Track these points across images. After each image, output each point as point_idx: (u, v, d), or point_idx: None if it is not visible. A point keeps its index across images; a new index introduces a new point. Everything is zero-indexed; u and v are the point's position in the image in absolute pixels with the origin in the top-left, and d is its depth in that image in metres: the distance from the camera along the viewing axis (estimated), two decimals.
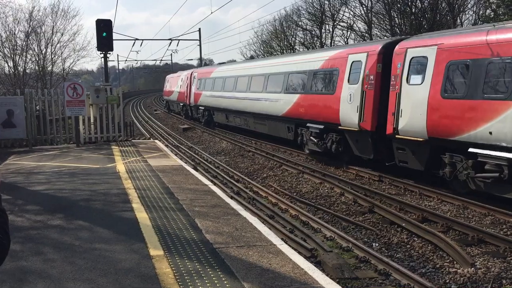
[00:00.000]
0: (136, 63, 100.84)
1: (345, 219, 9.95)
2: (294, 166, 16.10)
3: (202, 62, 59.76)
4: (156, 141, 19.82)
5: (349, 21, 39.44)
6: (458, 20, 29.50)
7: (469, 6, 29.84)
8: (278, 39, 50.34)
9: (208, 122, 30.00)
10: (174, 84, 41.05)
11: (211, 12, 37.91)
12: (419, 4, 32.46)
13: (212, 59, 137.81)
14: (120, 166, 12.20)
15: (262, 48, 54.33)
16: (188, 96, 34.06)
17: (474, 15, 29.91)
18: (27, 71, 29.44)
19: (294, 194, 12.50)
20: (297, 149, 18.88)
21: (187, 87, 34.30)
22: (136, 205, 7.99)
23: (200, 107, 31.25)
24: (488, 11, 27.62)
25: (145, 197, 8.60)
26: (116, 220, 7.24)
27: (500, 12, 24.84)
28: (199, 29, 54.06)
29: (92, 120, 17.79)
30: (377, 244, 8.50)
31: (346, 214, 10.47)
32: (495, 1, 25.89)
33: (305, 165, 16.09)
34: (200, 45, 54.93)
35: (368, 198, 11.35)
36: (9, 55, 28.36)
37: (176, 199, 8.41)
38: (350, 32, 39.78)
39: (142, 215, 7.30)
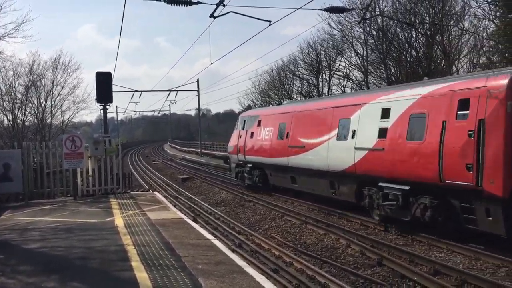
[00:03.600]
0: (135, 114, 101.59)
1: (353, 273, 9.52)
2: (296, 216, 15.71)
3: (200, 112, 60.22)
4: (155, 192, 19.48)
5: (345, 70, 40.04)
6: (454, 68, 29.91)
7: (464, 53, 30.35)
8: (275, 88, 50.96)
9: None
10: (304, 126, 17.42)
11: (211, 63, 38.24)
12: (414, 53, 33.04)
13: (209, 109, 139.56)
14: (119, 220, 11.83)
15: (260, 97, 54.92)
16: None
17: (468, 62, 30.38)
18: (26, 123, 29.48)
19: (298, 246, 12.10)
20: None
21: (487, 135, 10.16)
22: (136, 263, 7.59)
23: None
24: (482, 58, 28.06)
25: (145, 254, 8.22)
26: (114, 281, 6.84)
27: (495, 59, 25.21)
28: (197, 80, 54.82)
29: (90, 173, 17.50)
30: None
31: (354, 267, 10.04)
32: (490, 49, 26.35)
33: (308, 215, 15.70)
34: (198, 95, 55.53)
35: (375, 249, 10.94)
36: (8, 108, 28.47)
37: (177, 256, 8.03)
38: (347, 81, 40.29)
39: (142, 275, 6.91)
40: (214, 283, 6.44)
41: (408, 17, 31.31)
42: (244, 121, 23.41)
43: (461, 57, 30.26)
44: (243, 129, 23.11)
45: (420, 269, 9.30)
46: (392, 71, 34.50)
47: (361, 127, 13.95)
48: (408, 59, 32.99)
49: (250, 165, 21.83)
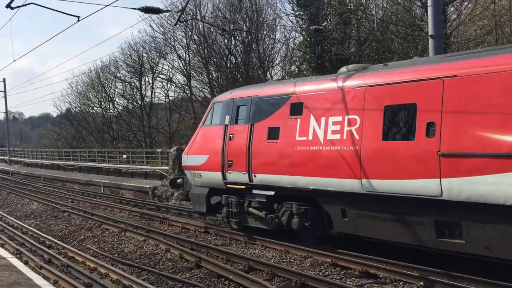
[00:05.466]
0: None
1: (171, 278, 9.36)
2: (115, 224, 15.04)
3: (9, 116, 53.96)
4: None
5: (168, 74, 39.87)
6: (268, 75, 32.05)
7: (277, 62, 32.78)
8: (95, 91, 48.34)
9: None
10: None
11: (13, 60, 34.21)
12: (233, 60, 34.51)
13: (22, 112, 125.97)
14: None
15: (78, 100, 51.48)
16: None
17: (282, 70, 32.90)
18: None
19: (116, 255, 11.50)
20: None
21: None
22: None
23: None
24: (293, 67, 30.66)
25: None
26: None
27: (303, 68, 27.72)
28: (4, 79, 49.07)
29: None
30: None
31: (172, 271, 9.89)
32: (299, 58, 28.89)
33: (128, 222, 15.14)
34: (5, 96, 49.75)
35: (194, 252, 10.96)
36: None
37: None
38: (170, 84, 40.19)
39: None
40: None
41: (227, 25, 32.58)
42: (238, 107, 12.47)
43: (274, 65, 32.62)
44: (236, 123, 12.41)
45: (235, 267, 9.56)
46: (214, 76, 35.51)
47: None
48: (228, 65, 34.32)
49: (269, 194, 11.52)
